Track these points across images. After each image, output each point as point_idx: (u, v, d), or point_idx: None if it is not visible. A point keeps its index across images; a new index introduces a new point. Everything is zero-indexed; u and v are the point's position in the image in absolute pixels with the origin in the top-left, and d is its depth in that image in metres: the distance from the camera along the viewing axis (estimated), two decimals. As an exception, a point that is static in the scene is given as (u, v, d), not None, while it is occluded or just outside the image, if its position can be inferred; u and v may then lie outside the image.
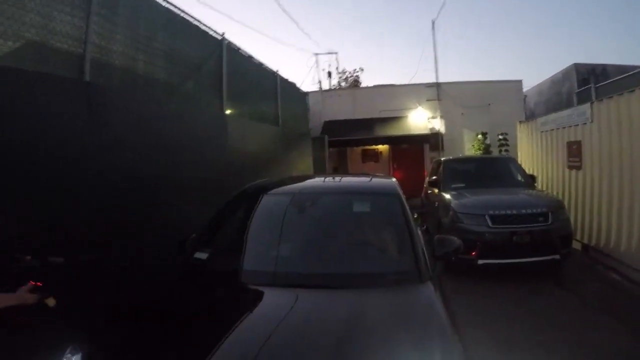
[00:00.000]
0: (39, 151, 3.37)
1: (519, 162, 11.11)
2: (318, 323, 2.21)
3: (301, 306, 2.36)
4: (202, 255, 3.08)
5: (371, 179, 4.38)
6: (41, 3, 3.73)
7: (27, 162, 3.26)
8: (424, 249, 3.03)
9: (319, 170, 13.64)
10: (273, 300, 2.47)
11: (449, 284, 6.05)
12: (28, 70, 3.47)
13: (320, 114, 16.40)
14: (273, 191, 3.83)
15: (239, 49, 8.01)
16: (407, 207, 3.33)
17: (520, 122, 12.07)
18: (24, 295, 2.19)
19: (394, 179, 4.20)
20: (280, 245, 3.06)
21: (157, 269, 3.73)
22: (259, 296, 2.53)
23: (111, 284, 3.42)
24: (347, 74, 32.19)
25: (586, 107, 7.70)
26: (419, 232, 3.52)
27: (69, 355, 2.13)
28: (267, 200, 3.58)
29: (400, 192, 3.58)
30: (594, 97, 10.89)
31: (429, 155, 16.11)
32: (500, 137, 14.35)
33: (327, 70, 26.11)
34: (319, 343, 2.02)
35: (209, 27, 6.69)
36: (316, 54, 25.20)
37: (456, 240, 3.25)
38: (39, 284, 2.23)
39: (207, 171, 5.90)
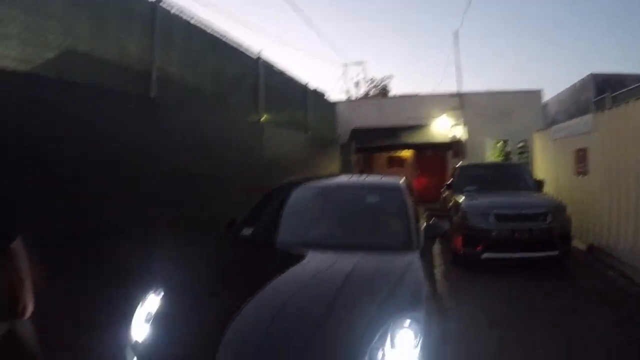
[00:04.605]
0: (119, 156, 4.40)
1: (535, 168, 11.72)
2: (330, 271, 3.20)
3: (320, 261, 3.40)
4: (247, 232, 4.06)
5: (381, 178, 5.34)
6: (115, 34, 4.73)
7: (112, 165, 4.29)
8: (418, 230, 3.89)
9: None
10: (299, 258, 3.46)
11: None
12: (107, 88, 4.45)
13: (348, 122, 17.25)
14: (304, 185, 4.86)
15: (272, 65, 9.03)
16: (408, 199, 4.23)
17: (537, 130, 12.65)
18: None
19: (402, 179, 5.05)
20: (308, 223, 4.08)
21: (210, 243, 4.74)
22: (289, 256, 3.59)
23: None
24: (376, 81, 33.07)
25: (588, 117, 8.39)
26: (422, 222, 4.41)
27: (155, 292, 3.06)
28: (299, 191, 4.59)
29: (404, 188, 4.48)
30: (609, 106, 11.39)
31: (451, 161, 16.71)
32: (520, 145, 14.88)
33: (355, 80, 27.12)
34: (323, 282, 3.02)
35: (247, 49, 7.75)
36: (345, 65, 26.12)
37: (444, 226, 4.15)
38: None
39: (247, 171, 6.98)
